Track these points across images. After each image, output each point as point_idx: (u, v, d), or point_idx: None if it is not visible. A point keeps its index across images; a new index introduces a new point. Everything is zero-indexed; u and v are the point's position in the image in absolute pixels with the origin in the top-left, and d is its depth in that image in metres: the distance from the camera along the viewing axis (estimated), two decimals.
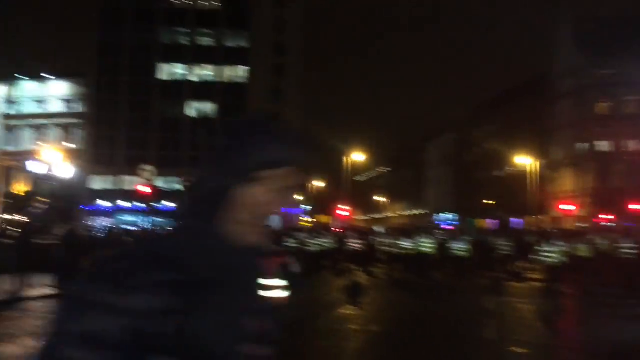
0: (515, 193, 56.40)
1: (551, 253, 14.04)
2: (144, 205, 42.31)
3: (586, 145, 51.12)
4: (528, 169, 50.86)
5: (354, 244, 19.59)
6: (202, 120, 52.25)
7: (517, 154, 52.50)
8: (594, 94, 50.95)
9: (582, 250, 16.74)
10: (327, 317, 11.28)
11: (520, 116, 59.54)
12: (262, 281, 4.68)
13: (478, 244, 20.96)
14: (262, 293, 4.42)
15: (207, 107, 53.56)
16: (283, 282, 6.60)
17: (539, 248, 14.20)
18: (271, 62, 52.96)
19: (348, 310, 12.07)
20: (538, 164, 50.62)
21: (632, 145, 50.03)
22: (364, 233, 21.68)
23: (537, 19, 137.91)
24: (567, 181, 52.42)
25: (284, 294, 6.59)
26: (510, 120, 61.56)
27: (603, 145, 50.89)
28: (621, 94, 50.38)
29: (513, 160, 56.14)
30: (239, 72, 53.83)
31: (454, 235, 21.85)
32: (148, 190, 17.91)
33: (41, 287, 15.38)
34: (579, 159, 51.49)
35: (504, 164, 61.47)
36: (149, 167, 18.01)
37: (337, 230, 31.02)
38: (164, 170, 49.52)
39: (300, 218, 56.55)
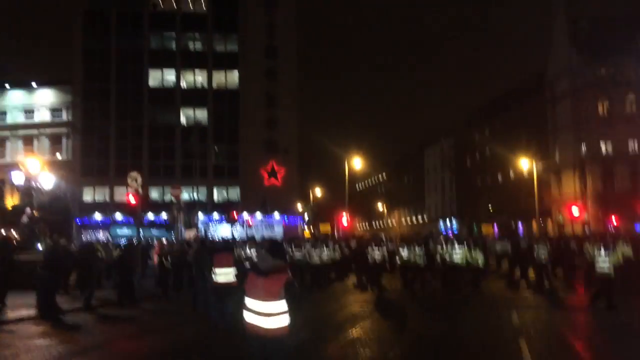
0: (519, 197, 55.36)
1: (603, 260, 12.51)
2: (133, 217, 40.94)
3: (588, 147, 50.08)
4: (530, 172, 49.72)
5: (373, 254, 17.83)
6: (195, 127, 50.83)
7: (519, 157, 51.43)
8: (592, 95, 50.15)
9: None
10: (338, 340, 9.87)
11: (519, 118, 58.66)
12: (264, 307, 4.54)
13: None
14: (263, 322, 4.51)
15: (199, 114, 52.13)
16: (285, 306, 5.20)
17: (597, 256, 12.62)
18: (263, 66, 51.65)
19: (361, 332, 10.67)
20: (540, 167, 49.53)
21: (634, 145, 49.10)
22: (379, 242, 19.77)
23: (532, 19, 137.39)
24: (570, 184, 51.30)
25: (286, 320, 5.20)
26: (510, 122, 60.67)
27: (605, 147, 49.91)
28: (620, 94, 49.56)
29: (514, 164, 55.10)
30: (230, 77, 52.47)
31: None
32: (133, 200, 16.41)
33: (22, 308, 13.97)
34: (582, 161, 50.45)
35: (506, 167, 60.45)
36: (134, 174, 16.55)
37: (348, 239, 29.46)
38: (156, 179, 48.16)
39: (302, 228, 55.24)
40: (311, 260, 19.52)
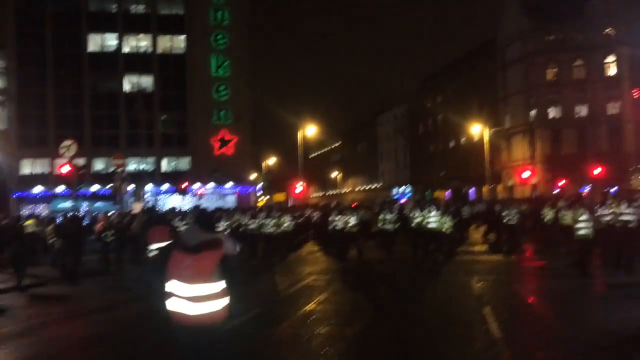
0: (470, 163, 56.02)
1: (585, 223, 11.92)
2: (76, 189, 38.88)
3: (537, 112, 50.87)
4: (481, 138, 50.11)
5: (336, 222, 17.07)
6: (139, 94, 48.30)
7: (470, 123, 51.70)
8: (541, 60, 50.69)
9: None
10: (290, 318, 9.11)
11: (471, 84, 58.94)
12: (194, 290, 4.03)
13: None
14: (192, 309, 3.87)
15: (144, 81, 49.50)
16: (221, 288, 4.30)
17: (581, 218, 12.00)
18: (210, 29, 49.17)
19: (316, 307, 9.94)
20: (490, 132, 49.98)
21: (581, 110, 50.19)
22: (342, 209, 18.93)
23: None
24: (520, 149, 52.22)
25: (222, 304, 4.29)
26: (461, 89, 60.90)
27: (554, 112, 50.80)
28: (569, 60, 50.27)
29: (467, 130, 55.47)
30: (176, 42, 49.84)
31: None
32: (67, 169, 15.00)
33: None
34: (531, 126, 51.29)
35: (458, 134, 60.92)
36: (67, 142, 15.10)
37: (303, 207, 28.56)
38: (99, 150, 45.81)
39: (255, 197, 54.16)
40: (265, 230, 18.68)
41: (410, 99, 73.11)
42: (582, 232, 11.93)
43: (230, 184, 48.32)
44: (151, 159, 47.73)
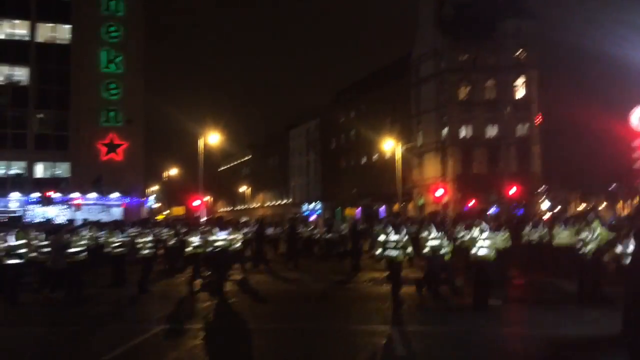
0: (382, 180, 54.23)
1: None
2: None
3: (450, 131, 50.07)
4: (393, 155, 48.29)
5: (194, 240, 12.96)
6: (11, 87, 41.68)
7: (383, 139, 49.86)
8: (454, 79, 50.26)
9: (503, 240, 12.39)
10: None
11: (385, 100, 57.67)
12: None
13: None
14: None
15: (18, 72, 42.79)
16: None
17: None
18: (101, 20, 43.55)
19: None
20: (403, 150, 48.34)
21: (492, 131, 49.95)
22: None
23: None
24: (432, 167, 51.09)
25: None
26: (375, 104, 59.44)
27: (465, 131, 50.19)
28: (481, 80, 50.11)
29: (379, 146, 53.69)
30: (60, 31, 43.58)
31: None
32: None
33: None
34: (443, 144, 50.41)
35: (370, 150, 59.09)
36: None
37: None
38: None
39: (147, 210, 48.62)
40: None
41: (323, 113, 70.84)
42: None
43: (116, 195, 42.55)
44: (22, 164, 41.12)
